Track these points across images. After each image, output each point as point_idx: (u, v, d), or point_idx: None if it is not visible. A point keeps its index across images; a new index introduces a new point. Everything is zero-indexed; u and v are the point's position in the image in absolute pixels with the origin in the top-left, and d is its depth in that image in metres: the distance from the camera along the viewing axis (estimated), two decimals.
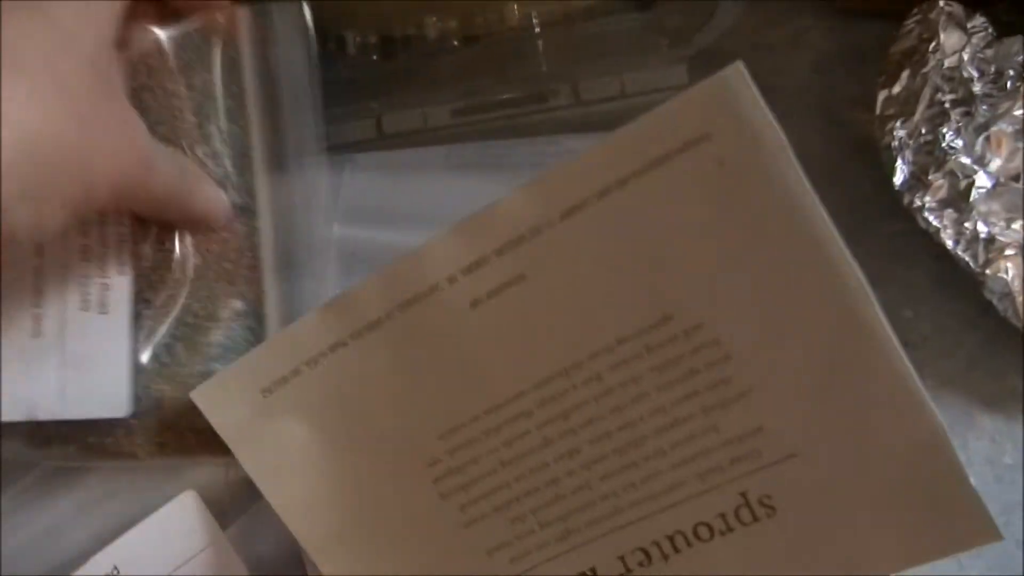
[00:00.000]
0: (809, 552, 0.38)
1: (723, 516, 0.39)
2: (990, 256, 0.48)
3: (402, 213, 0.44)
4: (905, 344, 0.49)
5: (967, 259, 0.49)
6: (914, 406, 0.36)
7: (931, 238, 0.49)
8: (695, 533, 0.39)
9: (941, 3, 0.52)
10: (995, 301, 0.49)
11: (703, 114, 0.35)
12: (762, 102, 0.35)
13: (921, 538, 0.37)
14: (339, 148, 0.47)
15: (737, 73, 0.35)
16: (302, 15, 0.43)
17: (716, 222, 0.36)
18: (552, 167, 0.36)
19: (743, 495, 0.38)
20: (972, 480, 0.36)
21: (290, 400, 0.40)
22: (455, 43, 0.47)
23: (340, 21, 0.48)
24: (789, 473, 0.38)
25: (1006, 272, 0.48)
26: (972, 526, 0.36)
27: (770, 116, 0.35)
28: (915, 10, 0.53)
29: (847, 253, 0.36)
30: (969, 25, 0.51)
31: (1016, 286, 0.48)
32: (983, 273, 0.48)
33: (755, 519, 0.38)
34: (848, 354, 0.37)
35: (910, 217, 0.50)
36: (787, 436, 0.38)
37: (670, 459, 0.38)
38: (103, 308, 0.39)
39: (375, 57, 0.47)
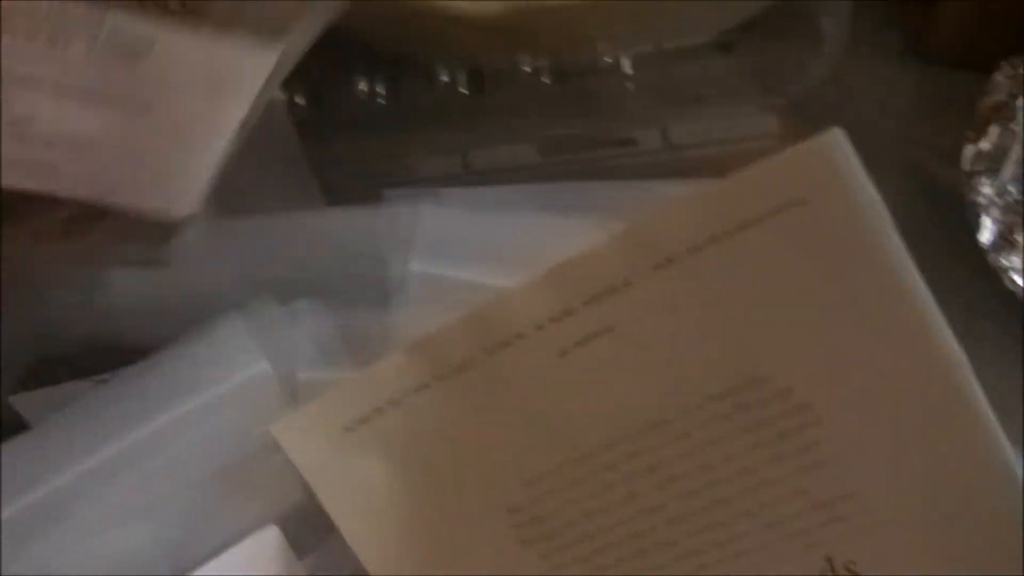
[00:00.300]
0: None
1: None
2: None
3: (484, 251, 0.43)
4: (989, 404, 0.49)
5: None
6: (1008, 479, 0.36)
7: (1017, 298, 0.49)
8: None
9: None
10: None
11: (800, 177, 0.35)
12: (862, 169, 0.35)
13: None
14: (423, 182, 0.47)
15: (836, 138, 0.34)
16: None
17: (811, 286, 0.36)
18: (644, 218, 0.36)
19: (829, 560, 0.38)
20: None
21: (372, 438, 0.39)
22: (545, 80, 0.47)
23: (430, 53, 0.48)
24: (876, 539, 0.37)
25: None
26: None
27: (869, 185, 0.34)
28: (1004, 63, 0.52)
29: (944, 323, 0.35)
30: None
31: None
32: None
33: None
34: (943, 423, 0.36)
35: (996, 277, 0.49)
36: (876, 502, 0.37)
37: (757, 520, 0.38)
38: None
39: (464, 91, 0.47)
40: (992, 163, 0.51)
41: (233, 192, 0.42)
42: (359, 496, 0.40)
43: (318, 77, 0.46)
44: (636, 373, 0.37)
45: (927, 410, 0.36)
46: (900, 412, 0.36)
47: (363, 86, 0.47)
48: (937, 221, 0.52)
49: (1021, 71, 0.51)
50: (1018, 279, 0.48)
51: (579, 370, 0.38)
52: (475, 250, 0.43)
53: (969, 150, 0.51)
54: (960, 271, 0.51)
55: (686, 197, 0.36)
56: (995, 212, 0.50)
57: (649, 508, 0.39)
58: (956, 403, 0.36)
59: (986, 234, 0.49)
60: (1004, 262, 0.49)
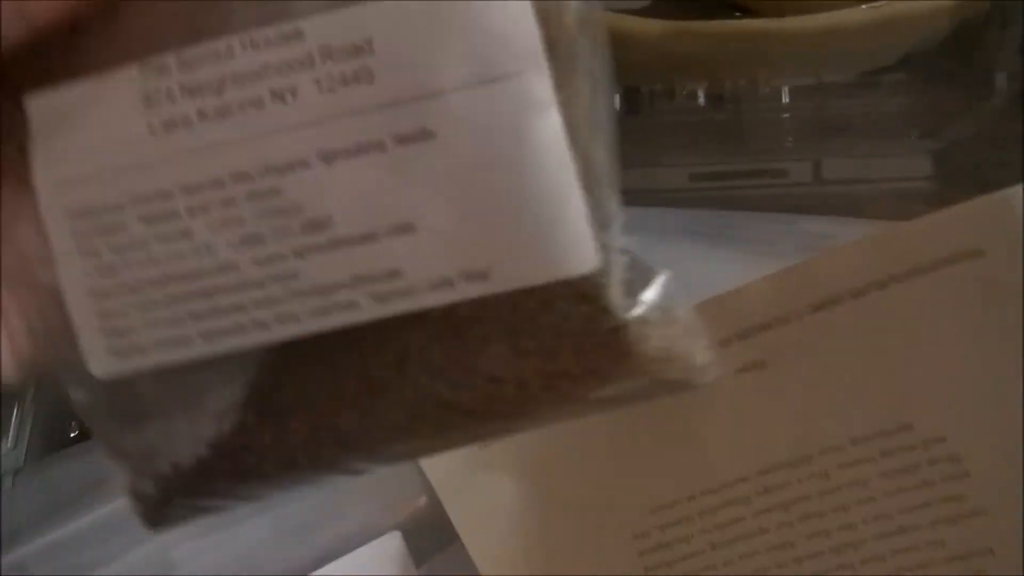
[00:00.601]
0: None
1: None
2: None
3: None
4: None
5: None
6: None
7: None
8: None
9: None
10: None
11: (978, 229, 0.34)
12: None
13: None
14: None
15: (1018, 193, 0.34)
16: None
17: (974, 340, 0.35)
18: (809, 258, 0.36)
19: None
20: None
21: (505, 454, 0.39)
22: (700, 104, 0.46)
23: None
24: None
25: None
26: None
27: None
28: None
29: None
30: None
31: None
32: None
33: None
34: None
35: None
36: (1016, 560, 0.36)
37: (888, 565, 0.37)
38: None
39: (618, 110, 0.47)
40: None
41: None
42: (487, 511, 0.40)
43: None
44: (782, 410, 0.37)
45: None
46: None
47: None
48: None
49: None
50: None
51: (725, 402, 0.37)
52: None
53: None
54: None
55: (856, 240, 0.35)
56: None
57: (777, 545, 0.38)
58: None
59: None
60: None
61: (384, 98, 0.22)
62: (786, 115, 0.46)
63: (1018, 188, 0.34)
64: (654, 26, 0.45)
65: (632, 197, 0.48)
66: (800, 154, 0.47)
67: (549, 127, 0.22)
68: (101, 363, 0.24)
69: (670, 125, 0.46)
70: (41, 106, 0.23)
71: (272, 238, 0.22)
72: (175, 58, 0.23)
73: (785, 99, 0.46)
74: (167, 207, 0.23)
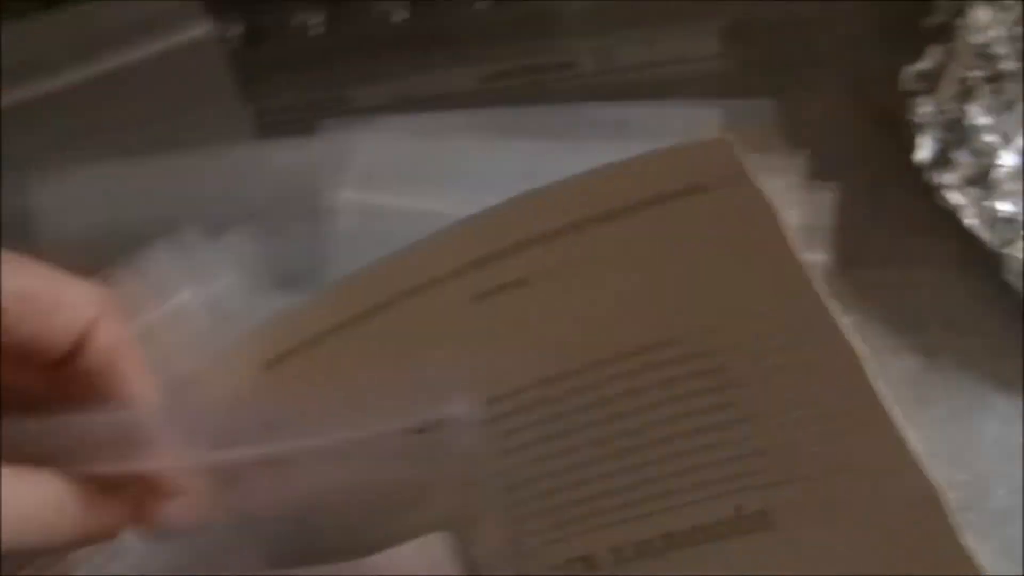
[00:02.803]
0: (804, 567, 0.39)
1: (719, 524, 0.39)
2: (1009, 235, 0.48)
3: (417, 178, 0.43)
4: (922, 322, 0.50)
5: (987, 238, 0.48)
6: (909, 464, 0.37)
7: (951, 216, 0.49)
8: (691, 536, 0.39)
9: None
10: (1011, 280, 0.48)
11: (696, 167, 0.36)
12: (752, 171, 0.36)
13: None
14: (360, 111, 0.47)
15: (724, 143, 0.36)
16: None
17: (718, 263, 0.37)
18: (563, 181, 0.37)
19: (738, 508, 0.39)
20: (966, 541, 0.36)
21: (291, 377, 0.40)
22: (482, 5, 0.47)
23: None
24: (787, 494, 0.38)
25: None
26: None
27: (760, 186, 0.36)
28: None
29: (839, 318, 0.36)
30: (1000, 1, 0.51)
31: None
32: (1001, 253, 0.48)
33: (751, 531, 0.39)
34: (844, 406, 0.37)
35: (931, 194, 0.50)
36: (786, 462, 0.38)
37: (667, 467, 0.39)
38: None
39: (399, 19, 0.47)
40: (930, 83, 0.51)
41: (165, 128, 0.41)
42: None
43: (253, 9, 0.46)
44: (548, 326, 0.38)
45: (829, 393, 0.37)
46: (807, 386, 0.37)
47: (299, 17, 0.47)
48: (879, 142, 0.53)
49: None
50: (951, 196, 0.49)
51: (492, 317, 0.38)
52: (408, 177, 0.43)
53: (908, 70, 0.52)
54: (899, 190, 0.52)
55: (600, 168, 0.37)
56: (932, 131, 0.50)
57: (561, 450, 0.39)
58: (859, 391, 0.37)
59: (922, 152, 0.50)
60: (939, 180, 0.49)
61: None
62: (570, 6, 0.46)
63: (719, 138, 0.36)
64: None
65: (421, 104, 0.48)
66: (588, 44, 0.47)
67: None
68: None
69: (455, 29, 0.46)
70: None
71: None
72: None
73: None
74: None
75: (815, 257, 0.44)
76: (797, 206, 0.45)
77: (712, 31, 0.48)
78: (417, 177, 0.43)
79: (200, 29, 0.43)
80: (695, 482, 0.38)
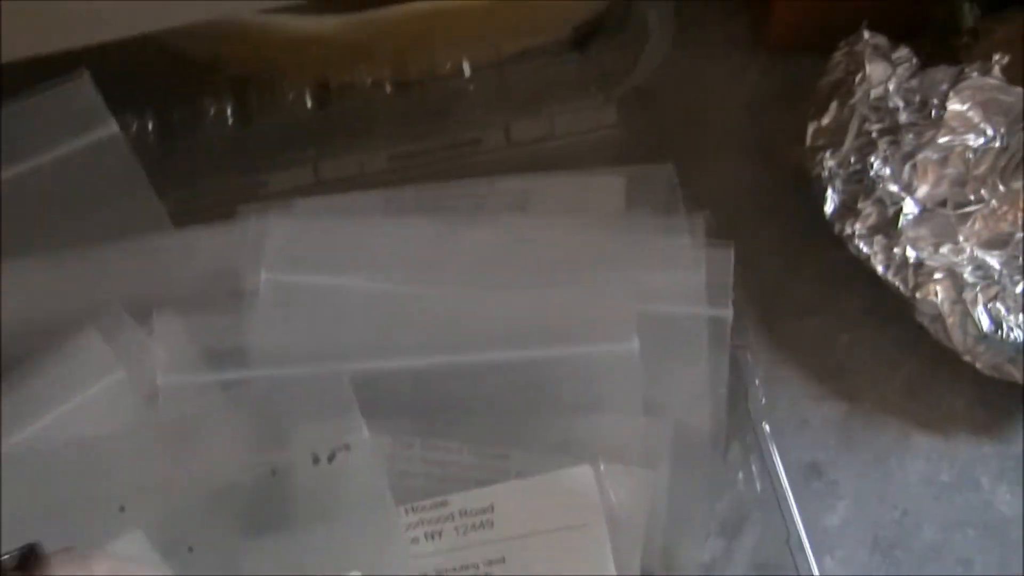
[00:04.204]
0: None
1: None
2: (920, 280, 0.49)
3: (331, 256, 0.45)
4: (842, 369, 0.51)
5: (898, 284, 0.49)
6: None
7: (863, 265, 0.50)
8: None
9: (866, 36, 0.53)
10: (926, 324, 0.49)
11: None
12: None
13: None
14: (276, 196, 0.48)
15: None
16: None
17: None
18: None
19: None
20: None
21: None
22: (388, 91, 0.49)
23: (275, 72, 0.49)
24: None
25: (936, 295, 0.49)
26: None
27: None
28: (842, 43, 0.54)
29: None
30: (894, 56, 0.53)
31: (946, 309, 0.49)
32: (914, 297, 0.49)
33: None
34: None
35: (843, 245, 0.51)
36: None
37: None
38: None
39: (310, 105, 0.49)
40: (833, 137, 0.52)
41: (79, 225, 0.43)
42: None
43: (166, 102, 0.48)
44: None
45: None
46: None
47: (211, 108, 0.49)
48: (788, 198, 0.54)
49: (856, 47, 0.53)
50: (862, 245, 0.50)
51: None
52: (322, 255, 0.45)
53: (812, 127, 0.53)
54: (811, 243, 0.53)
55: None
56: (838, 183, 0.52)
57: None
58: None
59: (830, 205, 0.51)
60: (848, 230, 0.50)
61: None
62: (471, 87, 0.48)
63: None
64: (330, 21, 0.47)
65: (335, 185, 0.50)
66: (490, 122, 0.49)
67: None
68: None
69: (363, 114, 0.48)
70: None
71: None
72: None
73: (467, 73, 0.48)
74: None
75: (722, 313, 0.45)
76: (703, 264, 0.46)
77: (611, 101, 0.50)
78: (325, 256, 0.44)
79: (108, 128, 0.45)
80: None
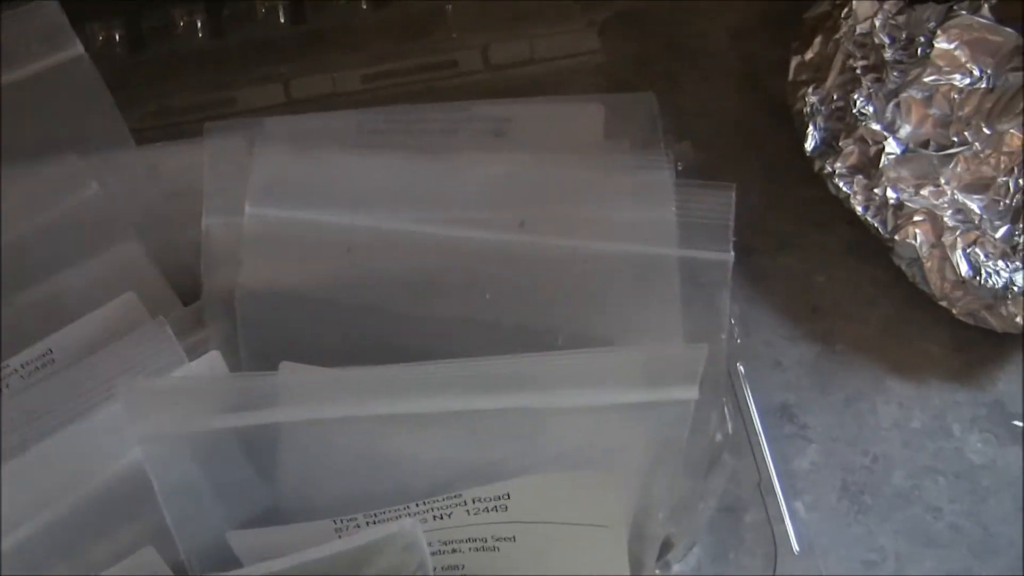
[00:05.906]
0: None
1: None
2: (899, 222, 0.49)
3: (317, 190, 0.43)
4: (816, 309, 0.50)
5: (877, 225, 0.49)
6: None
7: (842, 204, 0.50)
8: None
9: None
10: (904, 267, 0.49)
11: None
12: None
13: None
14: (247, 113, 0.47)
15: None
16: None
17: None
18: None
19: None
20: None
21: None
22: (364, 6, 0.47)
23: None
24: None
25: (914, 238, 0.48)
26: None
27: None
28: None
29: None
30: None
31: (924, 252, 0.48)
32: (892, 239, 0.49)
33: None
34: None
35: (822, 183, 0.50)
36: None
37: None
38: None
39: (284, 20, 0.47)
40: (816, 73, 0.52)
41: (38, 141, 0.42)
42: None
43: (137, 14, 0.46)
44: None
45: None
46: None
47: (182, 19, 0.47)
48: (769, 132, 0.54)
49: None
50: (842, 184, 0.49)
51: None
52: (310, 189, 0.43)
53: (795, 61, 0.52)
54: (790, 179, 0.53)
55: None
56: (819, 120, 0.51)
57: None
58: None
59: (811, 141, 0.50)
60: (828, 168, 0.50)
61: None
62: (449, 6, 0.47)
63: None
64: None
65: (306, 104, 0.49)
66: (468, 44, 0.48)
67: None
68: None
69: (338, 31, 0.47)
70: None
71: None
72: None
73: None
74: None
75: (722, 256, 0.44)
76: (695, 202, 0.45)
77: (593, 26, 0.48)
78: (311, 190, 0.43)
79: (73, 49, 0.43)
80: None
